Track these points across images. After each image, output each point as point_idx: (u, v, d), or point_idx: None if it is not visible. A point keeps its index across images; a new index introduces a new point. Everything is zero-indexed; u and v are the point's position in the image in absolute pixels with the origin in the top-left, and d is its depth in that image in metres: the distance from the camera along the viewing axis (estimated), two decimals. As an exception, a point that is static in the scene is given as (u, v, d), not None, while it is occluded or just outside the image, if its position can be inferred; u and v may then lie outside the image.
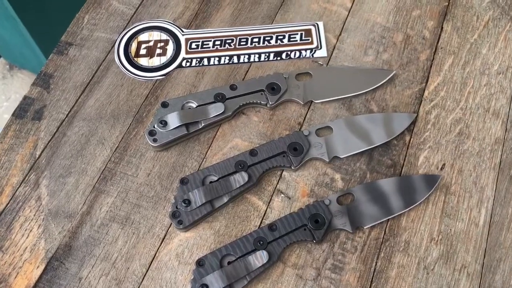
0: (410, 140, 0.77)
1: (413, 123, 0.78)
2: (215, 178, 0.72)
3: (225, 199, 0.71)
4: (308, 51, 0.84)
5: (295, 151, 0.74)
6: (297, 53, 0.84)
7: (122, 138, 0.77)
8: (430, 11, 0.88)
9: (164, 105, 0.77)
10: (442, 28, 0.86)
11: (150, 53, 0.84)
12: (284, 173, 0.75)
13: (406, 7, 0.88)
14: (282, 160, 0.74)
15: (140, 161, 0.76)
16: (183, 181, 0.72)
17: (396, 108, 0.79)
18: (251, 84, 0.79)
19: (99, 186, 0.74)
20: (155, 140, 0.75)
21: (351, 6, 0.88)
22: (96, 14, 0.88)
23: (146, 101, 0.80)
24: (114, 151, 0.77)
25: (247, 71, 0.83)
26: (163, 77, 0.82)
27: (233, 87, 0.79)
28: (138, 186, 0.74)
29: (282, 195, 0.73)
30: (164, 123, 0.75)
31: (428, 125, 0.78)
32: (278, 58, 0.84)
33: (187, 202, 0.70)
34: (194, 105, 0.78)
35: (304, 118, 0.79)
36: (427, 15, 0.87)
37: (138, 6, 0.89)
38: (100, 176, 0.75)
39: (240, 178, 0.72)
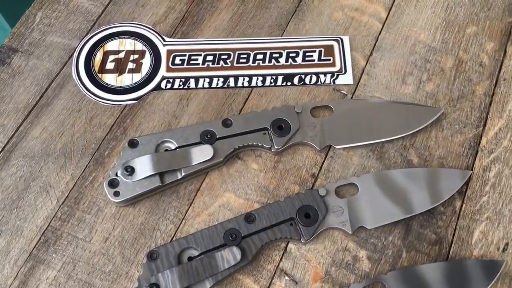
0: (461, 207, 0.57)
1: (466, 183, 0.58)
2: (196, 253, 0.53)
3: (208, 285, 0.51)
4: (329, 76, 0.63)
5: (306, 218, 0.54)
6: (314, 78, 0.63)
7: (74, 186, 0.57)
8: (490, 28, 0.67)
9: (133, 144, 0.57)
10: (505, 52, 0.66)
11: (120, 69, 0.64)
12: (290, 245, 0.55)
13: (458, 21, 0.68)
14: (289, 230, 0.54)
15: (96, 220, 0.56)
16: (152, 256, 0.52)
17: (443, 160, 0.59)
18: (251, 119, 0.59)
19: (38, 254, 0.54)
20: (117, 194, 0.55)
21: (386, 17, 0.68)
22: (52, 12, 0.67)
23: (110, 135, 0.60)
24: (62, 203, 0.57)
25: (247, 100, 0.62)
26: (135, 102, 0.62)
27: (226, 123, 0.59)
28: (92, 256, 0.54)
29: (286, 277, 0.53)
30: (130, 170, 0.55)
31: (487, 187, 0.58)
32: (289, 84, 0.63)
33: (155, 289, 0.50)
34: (173, 145, 0.58)
35: (320, 168, 0.59)
36: (486, 34, 0.67)
37: (108, 4, 0.68)
38: (40, 239, 0.55)
39: (231, 256, 0.52)
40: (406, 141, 0.60)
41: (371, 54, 0.65)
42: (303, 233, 0.54)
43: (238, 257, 0.52)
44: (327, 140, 0.59)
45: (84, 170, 0.58)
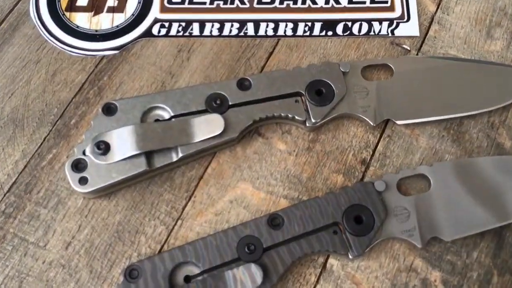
0: None
1: None
2: (197, 271, 0.36)
3: (214, 320, 0.35)
4: (385, 25, 0.46)
5: (357, 223, 0.37)
6: (365, 27, 0.46)
7: (25, 167, 0.41)
8: None
9: (109, 110, 0.40)
10: None
11: (96, 6, 0.46)
12: (331, 261, 0.38)
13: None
14: (331, 240, 0.37)
15: (55, 217, 0.39)
16: (132, 274, 0.36)
17: (546, 145, 0.42)
18: (277, 80, 0.42)
19: (-30, 263, 0.37)
20: (83, 181, 0.38)
21: None
22: None
23: (80, 97, 0.43)
24: (8, 191, 0.40)
25: (271, 54, 0.45)
26: (116, 52, 0.45)
27: (243, 85, 0.41)
28: (46, 268, 0.37)
29: (326, 307, 0.37)
30: (104, 148, 0.38)
31: None
32: (330, 34, 0.46)
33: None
34: (166, 114, 0.40)
35: (373, 152, 0.42)
36: None
37: None
38: (-27, 242, 0.38)
39: (247, 277, 0.35)
40: (495, 117, 0.43)
41: (443, -4, 0.48)
42: (352, 245, 0.37)
43: (259, 278, 0.35)
44: (385, 112, 0.42)
45: (40, 145, 0.41)
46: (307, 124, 0.41)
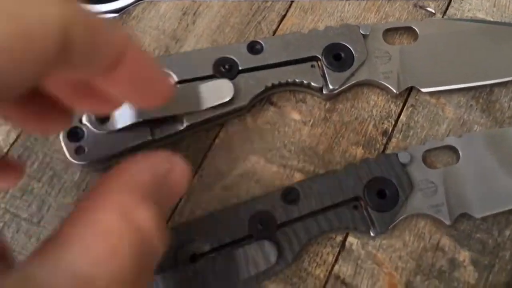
0: None
1: None
2: (206, 248, 0.33)
3: (223, 301, 0.32)
4: (408, -15, 0.42)
5: (380, 198, 0.34)
6: (386, -13, 0.42)
7: (18, 136, 0.37)
8: None
9: (108, 74, 0.36)
10: None
11: (94, -35, 0.42)
12: (351, 239, 0.35)
13: None
14: (352, 215, 0.34)
15: (50, 191, 0.36)
16: (133, 252, 0.32)
17: None
18: (292, 43, 0.38)
19: (-43, 241, 0.34)
20: (80, 151, 0.35)
21: None
22: None
23: (76, 63, 0.40)
24: (-1, 163, 0.36)
25: (284, 17, 0.42)
26: (115, 15, 0.41)
27: (255, 48, 0.38)
28: (40, 247, 0.34)
29: (345, 289, 0.34)
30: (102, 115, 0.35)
31: None
32: (348, -5, 0.42)
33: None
34: (171, 79, 0.37)
35: (395, 122, 0.38)
36: None
37: None
38: (-39, 218, 0.35)
39: (260, 255, 0.32)
40: (527, 84, 0.40)
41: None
42: (375, 221, 0.34)
43: (273, 257, 0.32)
44: (408, 79, 0.38)
45: (34, 114, 0.38)
46: (324, 92, 0.38)
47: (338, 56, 0.38)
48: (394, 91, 0.38)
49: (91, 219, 0.19)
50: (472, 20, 0.41)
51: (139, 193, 0.20)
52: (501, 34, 0.40)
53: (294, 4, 0.42)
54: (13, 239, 0.35)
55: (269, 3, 0.42)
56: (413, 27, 0.40)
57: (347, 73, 0.38)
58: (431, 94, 0.39)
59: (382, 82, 0.38)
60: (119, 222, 0.19)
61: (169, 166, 0.23)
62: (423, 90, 0.38)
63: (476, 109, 0.39)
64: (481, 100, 0.39)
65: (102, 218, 0.19)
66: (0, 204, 0.36)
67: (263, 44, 0.38)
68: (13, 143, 0.37)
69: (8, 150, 0.37)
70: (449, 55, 0.39)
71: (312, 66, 0.38)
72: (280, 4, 0.42)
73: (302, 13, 0.42)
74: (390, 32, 0.40)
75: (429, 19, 0.41)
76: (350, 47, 0.38)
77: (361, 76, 0.38)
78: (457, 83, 0.39)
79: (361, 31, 0.39)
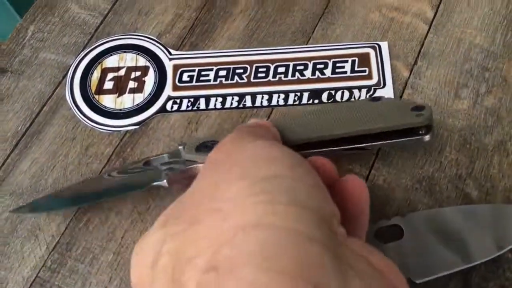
0: (535, 254, 0.46)
1: (541, 223, 0.46)
2: None
3: None
4: (364, 91, 0.53)
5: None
6: (347, 94, 0.53)
7: (66, 228, 0.49)
8: None
9: (131, 179, 0.49)
10: None
11: (120, 88, 0.55)
12: None
13: (522, 19, 0.56)
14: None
15: (91, 270, 0.48)
16: (152, 318, 0.43)
17: (510, 193, 0.48)
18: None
19: (24, 313, 0.46)
20: (112, 241, 0.46)
21: (434, 17, 0.57)
22: (45, 25, 0.60)
23: (108, 167, 0.52)
24: (53, 249, 0.49)
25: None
26: (136, 127, 0.54)
27: (241, 152, 0.49)
28: (84, 314, 0.46)
29: None
30: (128, 212, 0.46)
31: None
32: (316, 101, 0.53)
33: None
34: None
35: (356, 205, 0.48)
36: (559, 34, 0.55)
37: (108, 13, 0.60)
38: (26, 293, 0.47)
39: None
40: (462, 169, 0.49)
41: (415, 62, 0.54)
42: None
43: None
44: (364, 170, 0.49)
45: (77, 210, 0.50)
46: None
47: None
48: (352, 180, 0.48)
49: None
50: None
51: None
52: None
53: (274, 110, 0.53)
54: (64, 308, 0.46)
55: (255, 110, 0.53)
56: (367, 127, 0.50)
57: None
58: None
59: (342, 174, 0.48)
60: None
61: None
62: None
63: (419, 191, 0.49)
64: (423, 184, 0.49)
65: None
66: (55, 282, 0.47)
67: (248, 149, 0.49)
68: (62, 233, 0.49)
69: (59, 239, 0.49)
70: (397, 148, 0.49)
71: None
72: (263, 111, 0.53)
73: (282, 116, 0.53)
74: (349, 132, 0.51)
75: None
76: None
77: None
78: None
79: (324, 134, 0.49)
